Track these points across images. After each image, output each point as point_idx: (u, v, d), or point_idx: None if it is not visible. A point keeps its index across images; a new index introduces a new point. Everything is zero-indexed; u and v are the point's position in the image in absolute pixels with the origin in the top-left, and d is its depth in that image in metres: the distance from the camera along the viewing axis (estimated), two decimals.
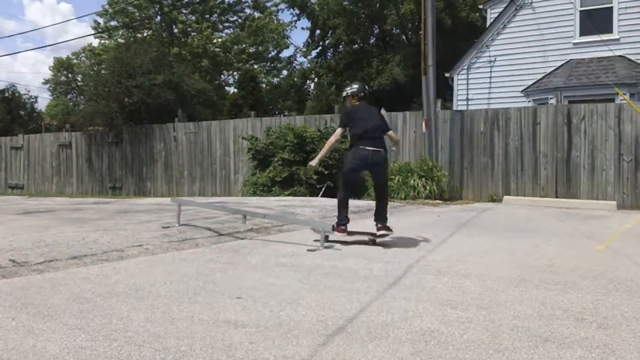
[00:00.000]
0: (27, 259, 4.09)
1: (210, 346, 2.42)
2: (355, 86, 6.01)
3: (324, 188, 11.77)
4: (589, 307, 3.12)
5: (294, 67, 34.52)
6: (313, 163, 5.92)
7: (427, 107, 11.39)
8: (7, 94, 25.87)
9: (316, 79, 31.96)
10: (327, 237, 5.37)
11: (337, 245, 5.13)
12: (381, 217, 5.55)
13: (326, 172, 11.83)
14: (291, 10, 30.69)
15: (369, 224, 6.98)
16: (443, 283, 3.67)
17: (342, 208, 5.60)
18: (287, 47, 34.03)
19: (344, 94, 6.02)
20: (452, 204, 10.34)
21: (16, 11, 75.50)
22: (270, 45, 33.25)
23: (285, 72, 34.59)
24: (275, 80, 34.12)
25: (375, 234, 5.41)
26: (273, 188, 12.01)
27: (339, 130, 5.75)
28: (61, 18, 72.39)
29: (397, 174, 10.88)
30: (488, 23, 16.16)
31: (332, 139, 5.79)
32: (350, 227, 6.54)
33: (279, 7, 32.79)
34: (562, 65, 14.12)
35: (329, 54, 30.34)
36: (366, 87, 6.29)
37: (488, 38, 15.48)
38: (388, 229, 5.43)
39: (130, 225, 6.07)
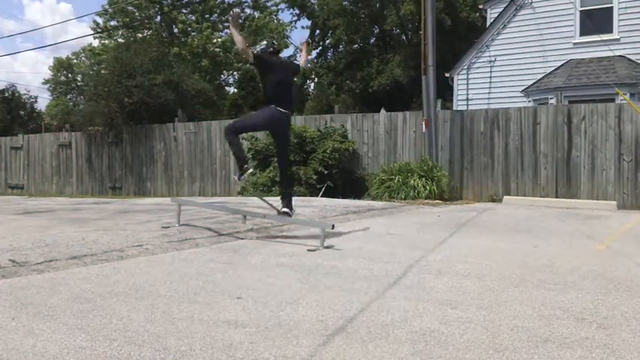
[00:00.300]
0: (27, 259, 4.09)
1: (210, 346, 2.42)
2: (264, 43, 6.23)
3: (324, 188, 11.77)
4: (589, 307, 3.12)
5: None
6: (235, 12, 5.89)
7: (427, 107, 11.39)
8: (7, 94, 25.89)
9: (316, 79, 31.97)
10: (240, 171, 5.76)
11: (337, 245, 5.13)
12: (285, 194, 6.00)
13: (326, 172, 11.84)
14: (291, 10, 30.72)
15: (369, 223, 6.98)
16: (443, 283, 3.67)
17: (241, 151, 5.94)
18: (287, 47, 34.05)
19: (269, 48, 6.17)
20: (452, 204, 10.34)
21: (16, 11, 75.52)
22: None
23: None
24: None
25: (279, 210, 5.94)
26: (273, 188, 12.00)
27: (252, 52, 5.89)
28: (61, 18, 72.42)
29: (397, 174, 10.88)
30: (488, 23, 16.17)
31: (244, 47, 5.85)
32: (349, 228, 6.55)
33: (279, 7, 32.81)
34: (562, 65, 14.12)
35: (329, 54, 30.34)
36: (274, 43, 6.50)
37: (488, 38, 15.48)
38: (289, 214, 5.87)
39: (130, 225, 6.07)
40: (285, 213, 5.94)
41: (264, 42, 6.73)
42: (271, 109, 5.73)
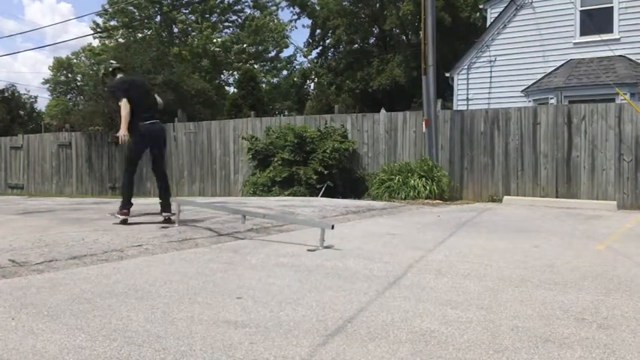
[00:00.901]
0: (27, 259, 4.08)
1: (210, 346, 2.42)
2: (102, 70, 6.45)
3: (324, 188, 11.77)
4: (589, 307, 3.12)
5: (294, 67, 34.55)
6: (122, 132, 5.89)
7: (427, 107, 11.39)
8: (6, 94, 25.90)
9: (316, 79, 31.99)
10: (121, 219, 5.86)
11: (337, 245, 5.13)
12: (165, 204, 6.08)
13: (326, 172, 11.83)
14: (292, 8, 30.74)
15: (369, 223, 6.99)
16: (443, 283, 3.67)
17: (128, 192, 5.98)
18: (287, 47, 34.07)
19: (109, 69, 6.27)
20: (452, 204, 10.34)
21: (16, 11, 75.53)
22: (270, 45, 33.25)
23: (285, 72, 34.62)
24: (275, 80, 34.11)
25: (161, 215, 6.11)
26: (273, 188, 12.02)
27: (125, 102, 5.84)
28: (61, 18, 72.45)
29: (397, 174, 10.88)
30: (488, 23, 16.17)
31: (124, 112, 5.88)
32: (349, 227, 6.55)
33: (279, 6, 32.80)
34: (562, 65, 14.12)
35: (329, 54, 30.36)
36: (111, 62, 6.68)
37: (488, 38, 15.48)
38: (171, 221, 5.98)
39: (130, 225, 6.06)
40: (167, 219, 6.06)
41: (102, 69, 6.66)
42: (142, 127, 5.89)
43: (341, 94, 28.68)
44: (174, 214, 6.15)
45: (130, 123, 5.82)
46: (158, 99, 6.42)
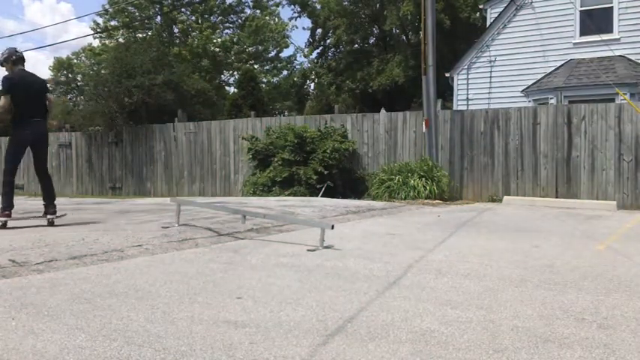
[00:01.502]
0: (27, 259, 4.09)
1: (210, 346, 2.42)
2: (14, 49, 6.09)
3: (324, 188, 11.77)
4: (589, 307, 3.12)
5: (294, 67, 34.55)
6: None
7: (427, 107, 11.40)
8: None
9: (316, 79, 32.00)
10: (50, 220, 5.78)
11: (337, 245, 5.13)
12: (49, 205, 6.05)
13: (326, 172, 11.84)
14: (292, 6, 30.71)
15: (369, 223, 6.99)
16: (443, 283, 3.67)
17: (9, 192, 5.95)
18: (287, 47, 34.05)
19: (12, 57, 6.00)
20: (452, 204, 10.34)
21: (16, 11, 75.53)
22: (270, 45, 33.24)
23: (285, 72, 34.61)
24: (275, 80, 34.11)
25: (45, 218, 6.04)
26: (273, 188, 12.02)
27: (6, 100, 5.74)
28: (61, 18, 72.40)
29: (397, 174, 10.88)
30: (488, 23, 16.17)
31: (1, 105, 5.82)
32: (349, 227, 6.55)
33: (280, 2, 32.72)
34: (562, 65, 14.12)
35: (329, 54, 30.36)
36: (17, 50, 6.25)
37: (488, 38, 15.48)
38: (54, 223, 5.93)
39: (130, 225, 6.07)
40: (51, 222, 6.06)
41: (13, 49, 6.20)
42: (23, 125, 5.83)
43: (341, 94, 28.67)
44: (58, 216, 6.10)
45: (16, 121, 5.80)
46: (50, 98, 6.38)
